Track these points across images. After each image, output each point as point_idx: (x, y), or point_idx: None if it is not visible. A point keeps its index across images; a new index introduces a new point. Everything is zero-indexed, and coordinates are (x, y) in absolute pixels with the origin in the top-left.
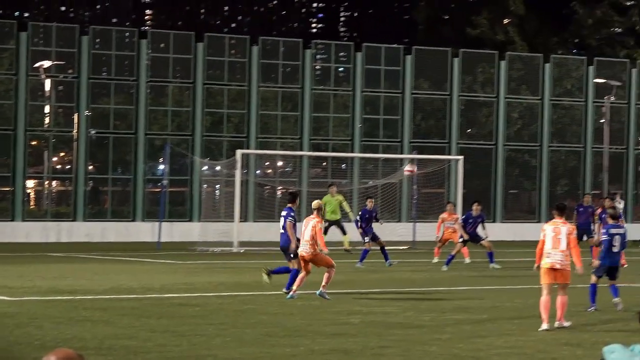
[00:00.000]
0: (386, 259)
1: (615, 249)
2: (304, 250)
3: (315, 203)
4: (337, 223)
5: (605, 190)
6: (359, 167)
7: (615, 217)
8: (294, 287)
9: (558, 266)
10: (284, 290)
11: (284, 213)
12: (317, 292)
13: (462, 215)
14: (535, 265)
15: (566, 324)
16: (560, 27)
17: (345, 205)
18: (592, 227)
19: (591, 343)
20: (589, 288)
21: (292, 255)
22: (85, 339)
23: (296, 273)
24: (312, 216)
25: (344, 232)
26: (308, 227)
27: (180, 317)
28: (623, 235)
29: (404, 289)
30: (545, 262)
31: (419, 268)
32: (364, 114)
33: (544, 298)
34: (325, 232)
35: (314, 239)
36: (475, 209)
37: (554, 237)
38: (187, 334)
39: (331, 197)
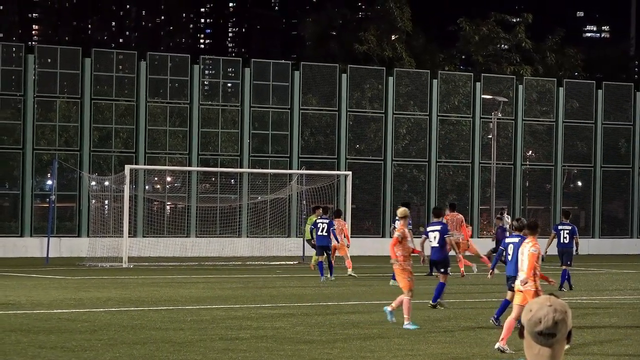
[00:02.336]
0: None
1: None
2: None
3: (401, 211)
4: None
5: (493, 205)
6: (248, 183)
7: (519, 229)
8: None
9: None
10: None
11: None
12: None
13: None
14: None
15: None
16: (447, 44)
17: None
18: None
19: (481, 357)
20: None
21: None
22: None
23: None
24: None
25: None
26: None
27: (69, 332)
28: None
29: (294, 304)
30: None
31: (309, 283)
32: (252, 129)
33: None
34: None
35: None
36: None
37: None
38: (76, 350)
39: (315, 216)
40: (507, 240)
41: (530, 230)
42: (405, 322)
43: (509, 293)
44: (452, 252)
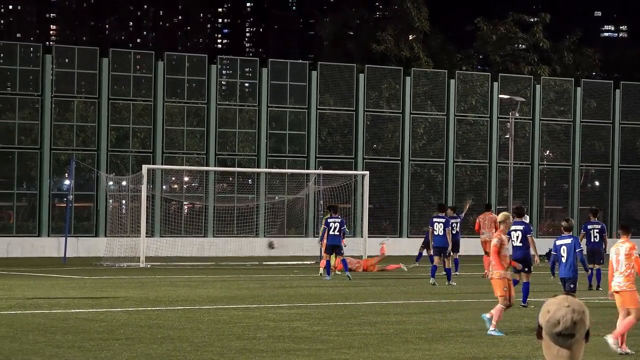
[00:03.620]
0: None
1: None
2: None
3: (503, 215)
4: None
5: (511, 205)
6: (265, 183)
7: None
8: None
9: None
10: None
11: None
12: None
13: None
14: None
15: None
16: (465, 44)
17: None
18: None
19: (498, 357)
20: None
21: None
22: None
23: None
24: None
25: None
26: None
27: (87, 332)
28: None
29: (311, 303)
30: None
31: (326, 283)
32: (270, 129)
33: None
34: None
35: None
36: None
37: None
38: (93, 349)
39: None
40: (559, 242)
41: (624, 231)
42: (491, 328)
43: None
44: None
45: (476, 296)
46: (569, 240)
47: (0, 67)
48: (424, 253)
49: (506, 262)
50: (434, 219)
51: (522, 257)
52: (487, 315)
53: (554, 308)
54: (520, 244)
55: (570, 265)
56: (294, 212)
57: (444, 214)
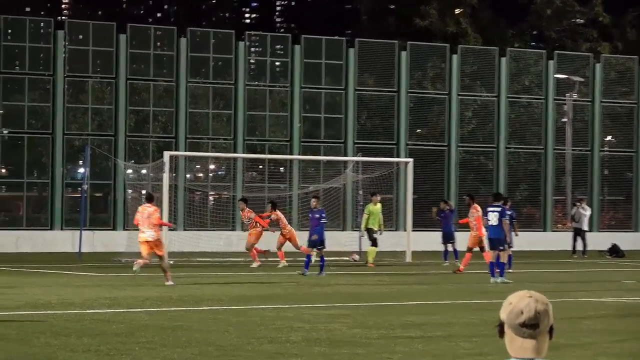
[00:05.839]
0: (321, 269)
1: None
2: None
3: None
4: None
5: (569, 196)
6: (298, 171)
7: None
8: None
9: None
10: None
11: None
12: None
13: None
14: None
15: None
16: (517, 18)
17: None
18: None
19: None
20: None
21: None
22: None
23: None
24: None
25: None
26: None
27: (104, 334)
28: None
29: (350, 303)
30: None
31: (366, 281)
32: (303, 112)
33: None
34: (374, 243)
35: None
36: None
37: None
38: (111, 353)
39: (374, 206)
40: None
41: None
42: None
43: None
44: None
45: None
46: None
47: (8, 44)
48: (449, 248)
49: None
50: (489, 209)
51: (497, 237)
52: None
53: (516, 300)
54: (496, 224)
55: None
56: (330, 203)
57: (500, 203)
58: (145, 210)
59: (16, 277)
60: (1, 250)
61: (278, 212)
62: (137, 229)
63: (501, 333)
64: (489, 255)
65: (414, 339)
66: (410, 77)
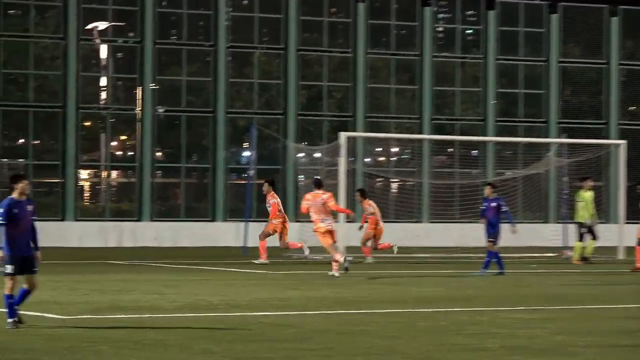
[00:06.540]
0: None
1: None
2: None
3: None
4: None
5: None
6: (493, 154)
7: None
8: None
9: None
10: None
11: None
12: None
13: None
14: None
15: None
16: None
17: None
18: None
19: None
20: None
21: None
22: None
23: None
24: None
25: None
26: None
27: (273, 340)
28: None
29: (554, 306)
30: None
31: (573, 280)
32: (498, 87)
33: None
34: (581, 238)
35: None
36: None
37: None
38: None
39: (584, 192)
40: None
41: None
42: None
43: None
44: None
45: None
46: None
47: (162, 10)
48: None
49: None
50: None
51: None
52: None
53: None
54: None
55: None
56: (530, 191)
57: None
58: (319, 198)
59: (174, 275)
60: (158, 244)
61: (372, 203)
62: (309, 220)
63: None
64: None
65: (626, 348)
66: (622, 46)
